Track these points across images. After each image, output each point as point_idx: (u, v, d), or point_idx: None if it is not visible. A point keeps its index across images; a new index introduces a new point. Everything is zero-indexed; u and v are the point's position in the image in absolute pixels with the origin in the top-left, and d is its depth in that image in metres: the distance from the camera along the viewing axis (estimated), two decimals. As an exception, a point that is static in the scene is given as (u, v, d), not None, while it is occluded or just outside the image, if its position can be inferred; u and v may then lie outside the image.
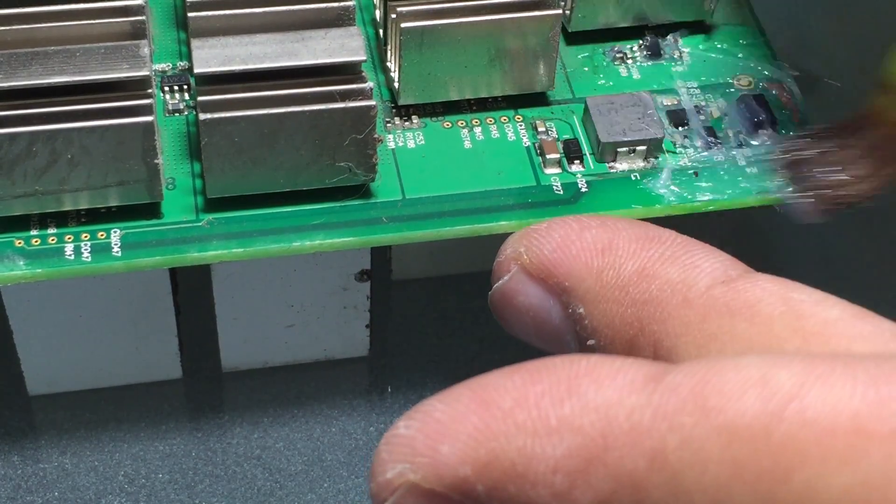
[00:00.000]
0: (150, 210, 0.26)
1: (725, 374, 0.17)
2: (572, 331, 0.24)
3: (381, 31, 0.28)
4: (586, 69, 0.29)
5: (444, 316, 0.32)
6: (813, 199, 0.24)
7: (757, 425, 0.16)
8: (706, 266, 0.22)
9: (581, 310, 0.23)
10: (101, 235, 0.26)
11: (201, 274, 0.28)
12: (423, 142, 0.28)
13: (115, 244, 0.25)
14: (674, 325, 0.21)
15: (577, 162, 0.27)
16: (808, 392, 0.16)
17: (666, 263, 0.22)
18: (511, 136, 0.28)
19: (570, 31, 0.29)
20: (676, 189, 0.27)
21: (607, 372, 0.18)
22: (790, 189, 0.25)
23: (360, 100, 0.25)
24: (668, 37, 0.30)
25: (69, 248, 0.25)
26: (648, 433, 0.17)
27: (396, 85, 0.28)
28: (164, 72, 0.28)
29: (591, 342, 0.23)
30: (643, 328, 0.22)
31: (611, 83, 0.29)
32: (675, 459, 0.16)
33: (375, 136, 0.26)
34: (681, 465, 0.16)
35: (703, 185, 0.27)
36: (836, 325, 0.19)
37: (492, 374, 0.19)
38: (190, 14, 0.26)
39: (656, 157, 0.27)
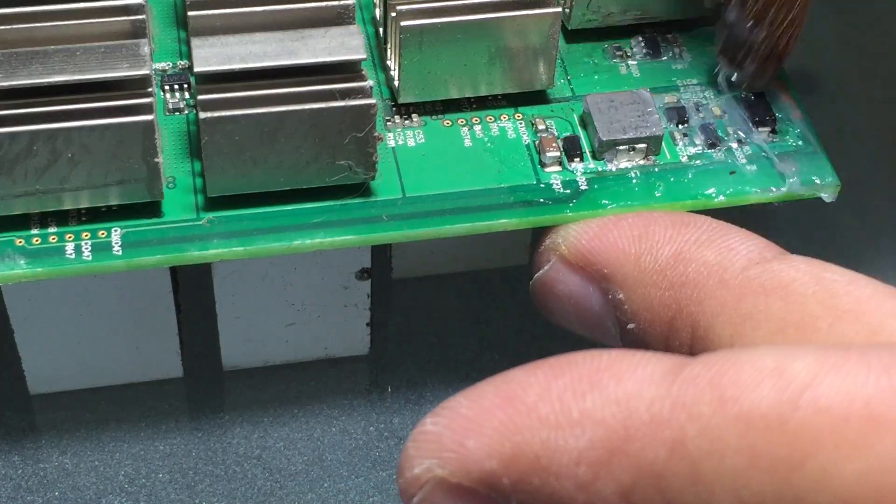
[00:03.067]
0: (151, 209, 0.26)
1: (742, 365, 0.17)
2: (612, 316, 0.24)
3: (380, 30, 0.28)
4: (586, 67, 0.29)
5: (445, 314, 0.32)
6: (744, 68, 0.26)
7: (772, 414, 0.16)
8: (741, 248, 0.22)
9: (620, 295, 0.23)
10: (102, 234, 0.26)
11: (202, 273, 0.28)
12: (423, 140, 0.28)
13: (116, 243, 0.26)
14: (710, 305, 0.21)
15: (576, 159, 0.27)
16: (821, 381, 0.16)
17: (702, 247, 0.23)
18: (511, 133, 0.28)
19: (569, 28, 0.30)
20: (676, 187, 0.27)
21: (627, 366, 0.18)
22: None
23: (360, 98, 0.25)
24: (668, 35, 0.30)
25: (70, 247, 0.25)
26: (668, 423, 0.17)
27: (396, 83, 0.28)
28: (164, 71, 0.28)
29: (630, 326, 0.23)
30: (681, 310, 0.22)
31: (611, 81, 0.29)
32: (695, 448, 0.17)
33: (375, 134, 0.26)
34: (700, 454, 0.17)
35: (703, 182, 0.27)
36: (869, 302, 0.20)
37: (515, 370, 0.19)
38: (190, 13, 0.26)
39: (656, 155, 0.27)
